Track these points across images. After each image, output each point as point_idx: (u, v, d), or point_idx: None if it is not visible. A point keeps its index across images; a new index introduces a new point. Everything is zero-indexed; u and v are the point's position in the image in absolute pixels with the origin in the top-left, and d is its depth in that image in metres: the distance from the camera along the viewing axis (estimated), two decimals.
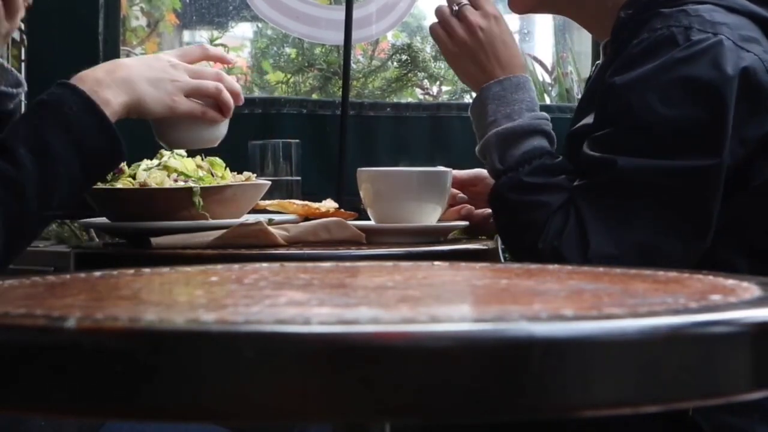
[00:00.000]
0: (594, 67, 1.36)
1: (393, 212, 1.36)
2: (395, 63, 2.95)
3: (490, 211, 1.30)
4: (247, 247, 1.26)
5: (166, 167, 1.38)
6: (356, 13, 2.62)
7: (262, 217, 1.36)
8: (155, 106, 1.15)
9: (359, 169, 1.52)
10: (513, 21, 3.46)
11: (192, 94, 1.18)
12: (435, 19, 1.27)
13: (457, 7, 1.24)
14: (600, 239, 1.08)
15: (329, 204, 1.47)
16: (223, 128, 1.26)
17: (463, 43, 1.24)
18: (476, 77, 1.25)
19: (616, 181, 1.09)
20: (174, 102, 1.16)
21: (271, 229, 1.28)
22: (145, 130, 2.35)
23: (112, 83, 1.11)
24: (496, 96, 1.22)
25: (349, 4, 1.96)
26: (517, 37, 3.33)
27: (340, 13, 2.66)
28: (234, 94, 1.22)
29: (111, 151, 1.11)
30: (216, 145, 1.27)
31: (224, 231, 1.27)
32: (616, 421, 0.88)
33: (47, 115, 1.06)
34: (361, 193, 1.46)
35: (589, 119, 1.17)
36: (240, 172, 1.43)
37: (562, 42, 3.13)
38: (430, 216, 1.34)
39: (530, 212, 1.13)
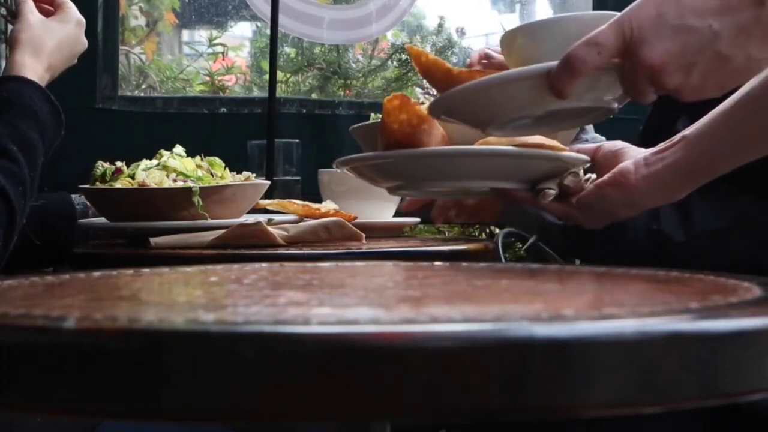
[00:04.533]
0: None
1: (353, 211, 1.43)
2: (395, 62, 2.95)
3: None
4: (247, 247, 1.26)
5: (165, 167, 1.38)
6: (356, 13, 2.62)
7: (262, 217, 1.36)
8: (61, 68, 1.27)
9: (320, 170, 1.60)
10: (513, 20, 3.45)
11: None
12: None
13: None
14: (703, 213, 1.03)
15: (329, 205, 1.48)
16: None
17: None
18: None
19: None
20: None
21: (270, 229, 1.28)
22: (146, 131, 2.35)
23: (44, 65, 1.22)
24: None
25: None
26: None
27: (340, 13, 2.66)
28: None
29: (60, 134, 1.20)
30: None
31: (223, 231, 1.27)
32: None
33: (19, 111, 1.14)
34: (324, 193, 1.54)
35: None
36: (239, 172, 1.43)
37: None
38: (384, 213, 1.40)
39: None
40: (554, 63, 0.83)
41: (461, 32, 3.04)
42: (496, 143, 1.04)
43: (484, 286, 0.66)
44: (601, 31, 0.80)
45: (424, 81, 2.98)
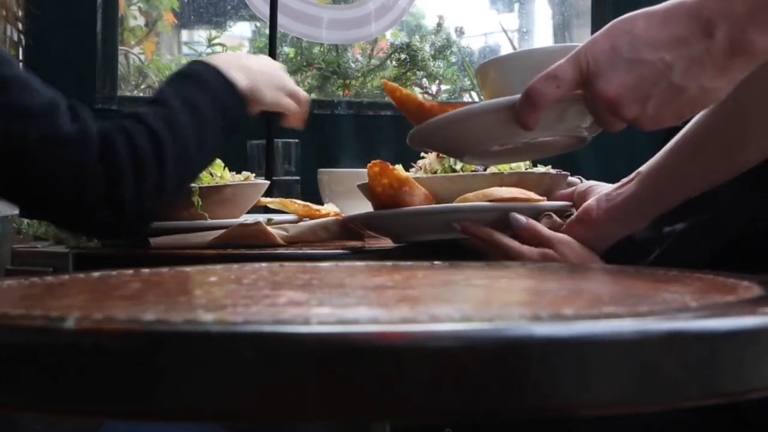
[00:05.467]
0: None
1: (353, 211, 1.44)
2: (394, 62, 2.95)
3: None
4: (246, 247, 1.26)
5: None
6: (355, 12, 2.62)
7: (261, 217, 1.36)
8: (267, 96, 1.28)
9: (320, 170, 1.62)
10: (512, 19, 3.46)
11: (290, 95, 1.33)
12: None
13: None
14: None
15: (331, 208, 1.48)
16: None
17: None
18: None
19: None
20: (280, 97, 1.31)
21: (270, 229, 1.28)
22: None
23: (236, 67, 1.24)
24: None
25: None
26: (516, 36, 3.33)
27: (339, 13, 2.66)
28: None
29: (243, 115, 1.25)
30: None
31: (223, 231, 1.27)
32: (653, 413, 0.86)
33: (191, 83, 1.20)
34: (324, 193, 1.56)
35: None
36: (239, 172, 1.43)
37: (562, 40, 3.12)
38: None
39: None
40: (518, 96, 0.85)
41: (460, 32, 3.04)
42: (473, 199, 1.15)
43: (483, 285, 0.66)
44: (560, 65, 0.82)
45: (424, 80, 2.99)
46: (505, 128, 0.88)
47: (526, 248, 1.11)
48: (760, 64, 0.78)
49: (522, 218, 1.10)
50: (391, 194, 1.17)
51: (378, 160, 1.18)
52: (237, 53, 1.33)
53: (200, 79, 1.20)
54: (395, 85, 1.05)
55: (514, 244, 1.12)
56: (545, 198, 1.18)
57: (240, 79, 1.23)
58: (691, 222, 1.10)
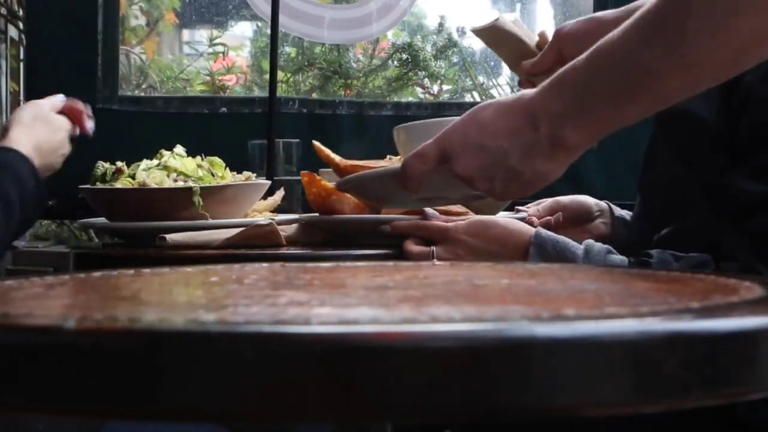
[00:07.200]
0: None
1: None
2: (395, 62, 2.95)
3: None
4: (247, 247, 1.26)
5: (165, 167, 1.38)
6: (356, 12, 2.62)
7: (262, 219, 1.36)
8: (54, 166, 1.43)
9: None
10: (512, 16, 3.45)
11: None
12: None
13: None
14: None
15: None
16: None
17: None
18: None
19: None
20: (60, 159, 1.45)
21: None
22: (146, 131, 2.34)
23: (33, 150, 1.38)
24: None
25: None
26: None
27: (340, 13, 2.66)
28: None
29: (39, 200, 1.35)
30: None
31: (238, 231, 1.27)
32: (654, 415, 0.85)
33: (8, 174, 1.32)
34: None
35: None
36: (240, 172, 1.43)
37: None
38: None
39: None
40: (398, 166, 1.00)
41: (462, 31, 3.04)
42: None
43: (484, 285, 0.66)
44: (427, 145, 0.96)
45: (425, 80, 2.99)
46: (399, 189, 1.01)
47: (451, 224, 1.22)
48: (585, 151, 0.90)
49: (433, 210, 1.25)
50: (321, 202, 1.32)
51: (307, 171, 1.34)
52: (32, 126, 1.43)
53: (15, 172, 1.32)
54: (321, 146, 1.31)
55: (440, 222, 1.24)
56: (470, 212, 1.31)
57: (38, 164, 1.36)
58: (675, 227, 1.12)
